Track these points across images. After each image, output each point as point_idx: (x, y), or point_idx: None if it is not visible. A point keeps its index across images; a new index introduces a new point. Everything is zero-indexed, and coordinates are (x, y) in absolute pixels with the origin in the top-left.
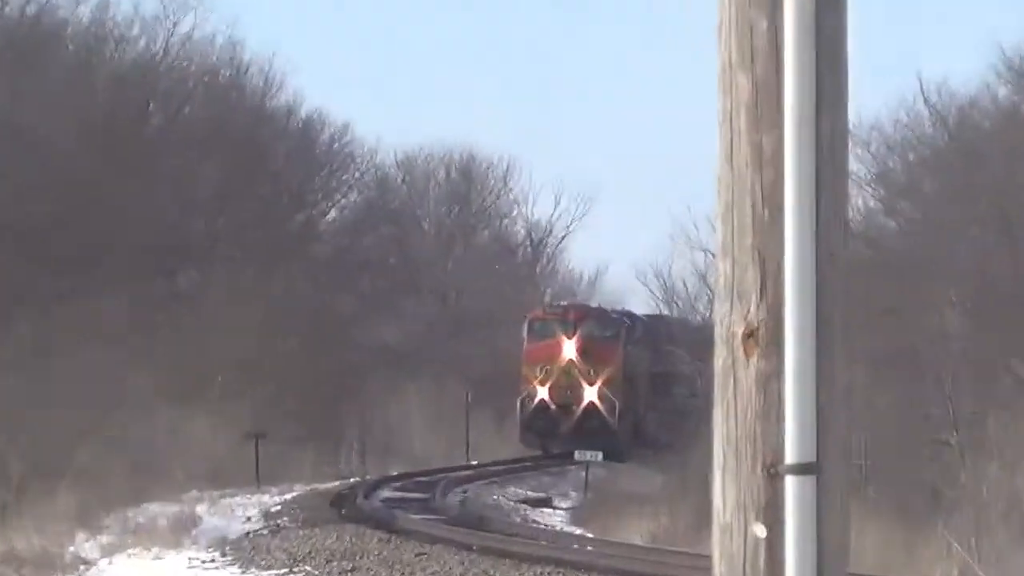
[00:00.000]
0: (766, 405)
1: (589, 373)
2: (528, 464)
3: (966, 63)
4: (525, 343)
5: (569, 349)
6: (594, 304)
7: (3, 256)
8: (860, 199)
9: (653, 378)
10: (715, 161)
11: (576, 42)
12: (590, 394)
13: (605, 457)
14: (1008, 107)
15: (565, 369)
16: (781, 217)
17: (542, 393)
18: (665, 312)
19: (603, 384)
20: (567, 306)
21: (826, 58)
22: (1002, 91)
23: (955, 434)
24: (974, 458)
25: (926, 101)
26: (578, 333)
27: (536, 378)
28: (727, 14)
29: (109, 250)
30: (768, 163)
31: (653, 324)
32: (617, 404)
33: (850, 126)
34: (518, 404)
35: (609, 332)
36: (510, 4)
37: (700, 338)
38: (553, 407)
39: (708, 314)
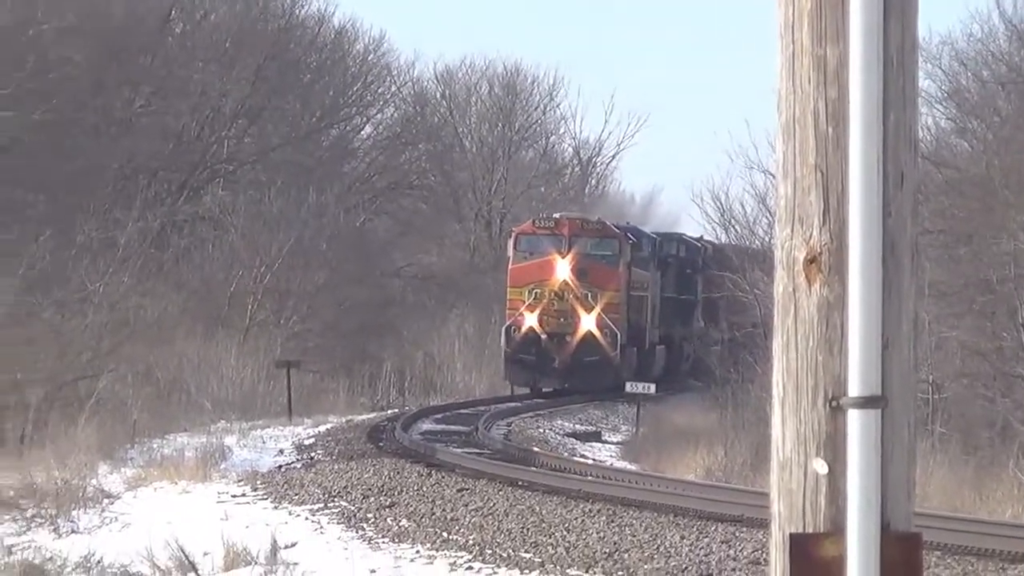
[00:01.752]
0: (828, 335)
1: (587, 297)
2: (576, 397)
3: None
4: (511, 262)
5: (563, 269)
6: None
7: (16, 173)
8: (930, 118)
9: (664, 304)
10: (774, 75)
11: None
12: (587, 322)
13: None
14: None
15: (558, 292)
16: (846, 135)
17: (531, 320)
18: (724, 237)
19: (603, 310)
20: (560, 218)
21: None
22: None
23: None
24: None
25: (1002, 14)
26: (573, 250)
27: (524, 303)
28: None
29: (128, 167)
30: (832, 78)
31: (665, 243)
32: (619, 334)
33: (920, 40)
34: (502, 333)
35: (610, 249)
36: None
37: (732, 262)
38: (544, 337)
39: (768, 239)
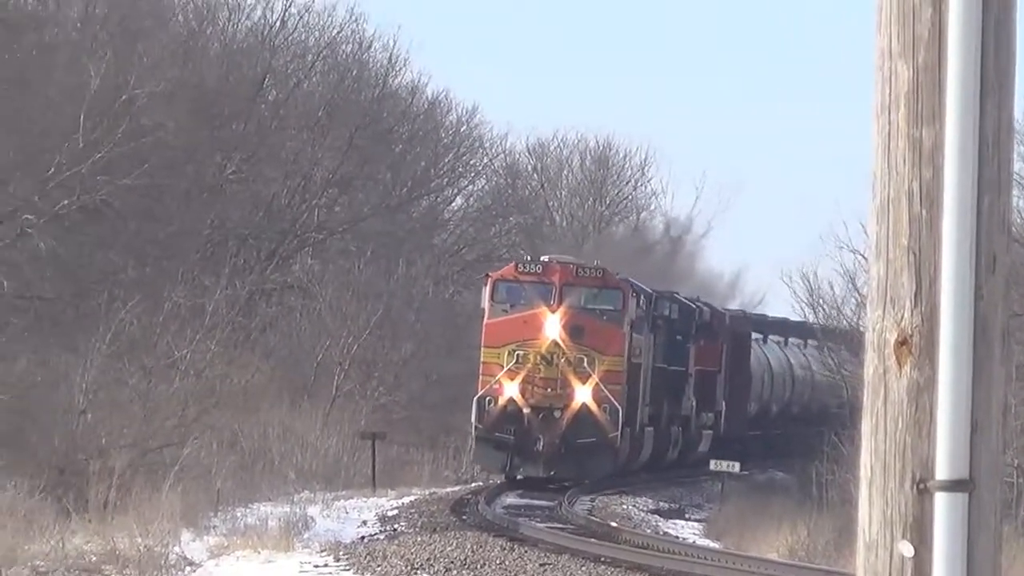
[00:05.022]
0: (918, 417)
1: (582, 363)
2: (660, 474)
3: None
4: (486, 315)
5: (552, 326)
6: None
7: (107, 237)
8: (1022, 200)
9: (654, 376)
10: (869, 156)
11: (724, 28)
12: (582, 394)
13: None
14: None
15: (546, 356)
16: (939, 217)
17: (511, 390)
18: (811, 317)
19: (601, 380)
20: (548, 262)
21: (992, 48)
22: None
23: None
24: None
25: None
26: (566, 302)
27: (503, 368)
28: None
29: (218, 233)
30: (927, 159)
31: (659, 301)
32: (621, 410)
33: (1015, 121)
34: (474, 405)
35: (612, 303)
36: None
37: (732, 329)
38: (527, 411)
39: (856, 319)
